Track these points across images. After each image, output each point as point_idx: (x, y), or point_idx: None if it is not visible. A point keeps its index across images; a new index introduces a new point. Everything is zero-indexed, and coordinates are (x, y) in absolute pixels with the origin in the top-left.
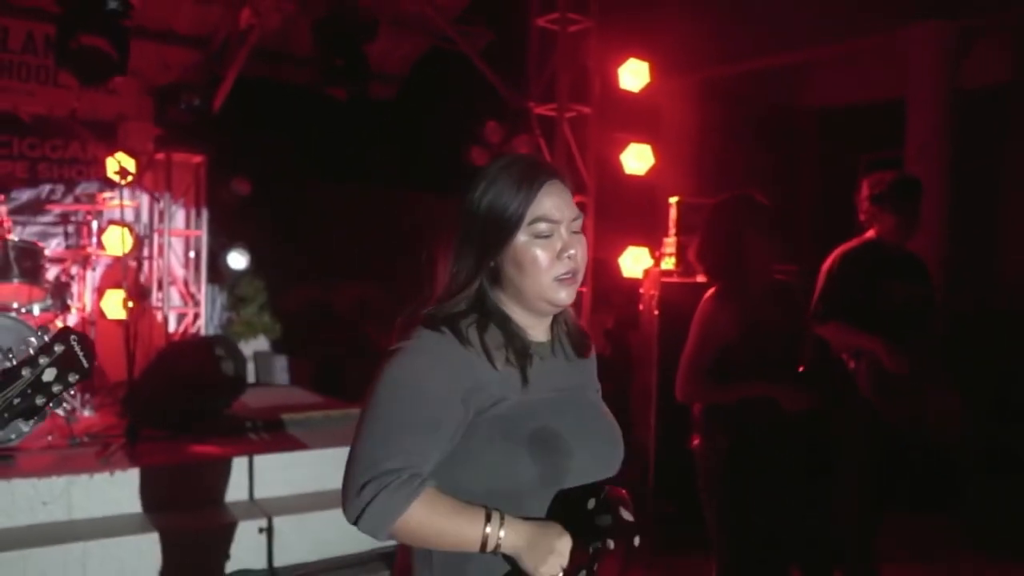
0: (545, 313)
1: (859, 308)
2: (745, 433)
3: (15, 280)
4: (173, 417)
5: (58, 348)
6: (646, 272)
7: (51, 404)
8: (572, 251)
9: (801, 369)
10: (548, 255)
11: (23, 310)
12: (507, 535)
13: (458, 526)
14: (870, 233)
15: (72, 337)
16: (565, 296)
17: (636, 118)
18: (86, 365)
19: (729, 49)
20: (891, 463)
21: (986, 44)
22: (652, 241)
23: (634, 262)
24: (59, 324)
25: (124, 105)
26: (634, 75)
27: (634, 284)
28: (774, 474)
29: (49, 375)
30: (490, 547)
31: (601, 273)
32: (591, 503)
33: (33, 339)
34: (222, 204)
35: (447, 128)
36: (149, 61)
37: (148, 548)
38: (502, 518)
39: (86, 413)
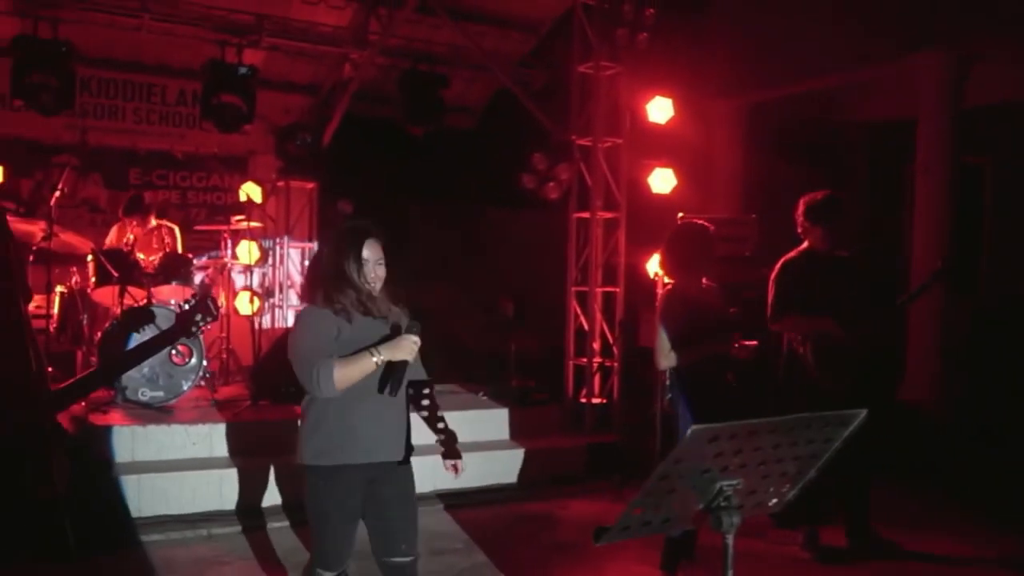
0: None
1: (801, 304)
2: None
3: (173, 283)
4: (285, 389)
5: (198, 308)
6: (656, 274)
7: (198, 333)
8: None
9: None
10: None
11: (178, 306)
12: (383, 351)
13: (362, 364)
14: (805, 244)
15: (209, 299)
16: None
17: (662, 146)
18: (215, 313)
19: (767, 75)
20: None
21: (987, 68)
22: None
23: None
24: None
25: (253, 143)
26: (660, 110)
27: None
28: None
29: (199, 318)
30: (377, 361)
31: (632, 275)
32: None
33: (192, 299)
34: (330, 221)
35: (512, 154)
36: (272, 107)
37: (262, 475)
38: (374, 350)
39: (223, 385)
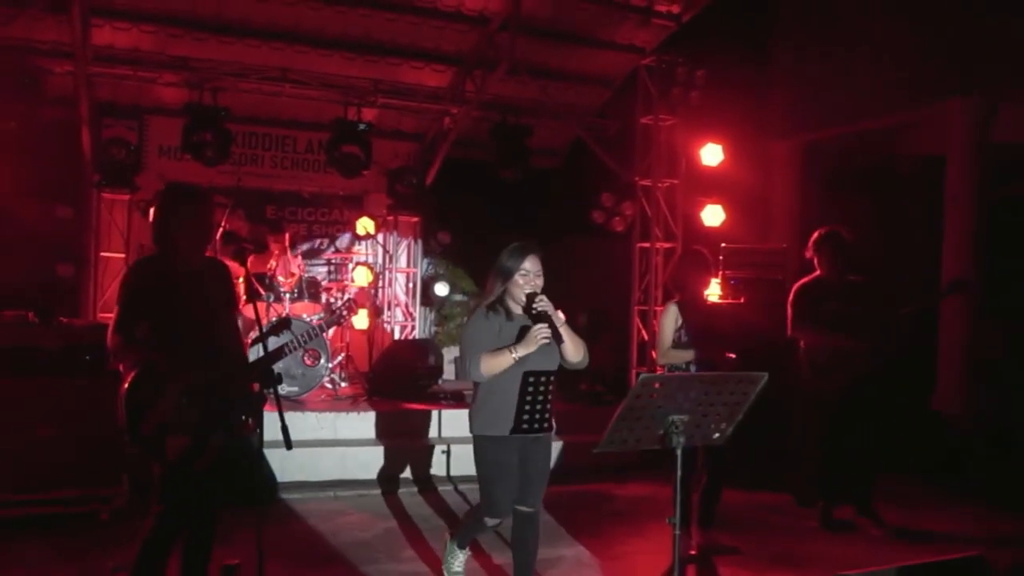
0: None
1: (811, 319)
2: None
3: (305, 301)
4: (394, 388)
5: (345, 306)
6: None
7: (340, 324)
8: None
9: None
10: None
11: (308, 319)
12: (518, 349)
13: (501, 359)
14: (818, 271)
15: (350, 301)
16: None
17: (716, 185)
18: (353, 314)
19: (819, 118)
20: (839, 423)
21: (1012, 109)
22: None
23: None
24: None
25: (368, 183)
26: (711, 154)
27: None
28: None
29: (345, 312)
30: (514, 356)
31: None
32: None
33: (338, 303)
34: (432, 250)
35: (590, 190)
36: (384, 152)
37: (376, 455)
38: (512, 348)
39: (344, 384)
